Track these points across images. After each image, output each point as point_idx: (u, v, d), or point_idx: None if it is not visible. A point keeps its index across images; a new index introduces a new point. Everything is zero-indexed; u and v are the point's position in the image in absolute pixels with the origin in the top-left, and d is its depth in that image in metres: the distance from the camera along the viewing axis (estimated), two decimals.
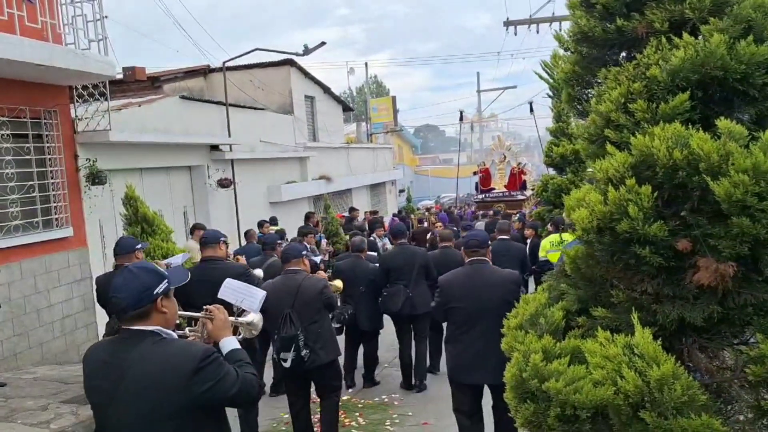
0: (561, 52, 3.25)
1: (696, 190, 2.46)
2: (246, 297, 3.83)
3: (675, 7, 2.68)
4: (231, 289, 3.95)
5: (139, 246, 5.57)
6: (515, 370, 2.77)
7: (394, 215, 21.02)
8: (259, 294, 3.84)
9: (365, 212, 19.90)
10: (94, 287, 6.31)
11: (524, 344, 2.85)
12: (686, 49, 2.52)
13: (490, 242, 5.21)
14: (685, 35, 2.59)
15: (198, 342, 2.62)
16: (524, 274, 7.64)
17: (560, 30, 19.55)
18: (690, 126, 2.51)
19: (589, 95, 3.13)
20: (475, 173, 22.89)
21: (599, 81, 2.98)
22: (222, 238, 5.57)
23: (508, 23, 19.79)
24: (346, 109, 23.61)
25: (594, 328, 2.82)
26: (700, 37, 2.63)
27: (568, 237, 7.84)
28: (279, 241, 8.35)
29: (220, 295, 3.84)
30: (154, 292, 2.42)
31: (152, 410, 2.32)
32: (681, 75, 2.52)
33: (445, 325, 5.36)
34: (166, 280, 2.48)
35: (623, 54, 3.14)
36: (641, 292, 2.64)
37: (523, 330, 3.01)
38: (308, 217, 14.35)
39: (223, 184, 12.88)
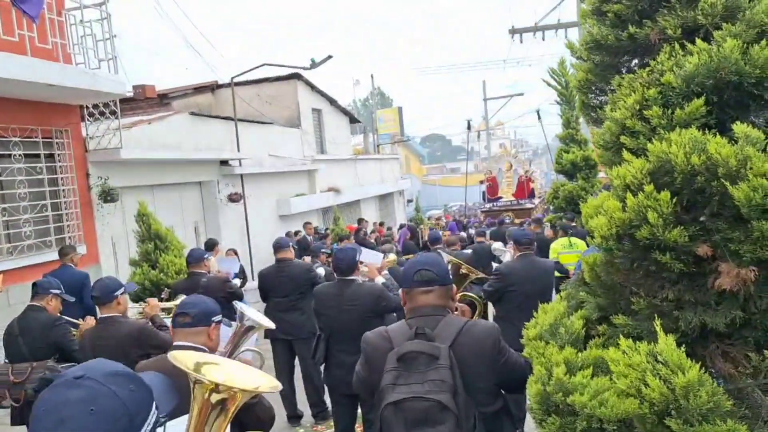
0: (573, 60, 3.26)
1: (715, 195, 2.44)
2: (371, 257, 6.83)
3: (687, 13, 2.69)
4: (364, 253, 6.56)
5: (207, 255, 7.31)
6: (539, 385, 2.75)
7: (401, 225, 21.00)
8: (380, 255, 7.21)
9: (374, 223, 19.87)
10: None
11: (545, 356, 2.84)
12: (700, 55, 2.52)
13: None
14: (699, 41, 2.59)
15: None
16: None
17: (566, 37, 19.71)
18: (706, 131, 2.51)
19: (603, 103, 3.13)
20: (482, 182, 22.90)
21: (613, 88, 2.98)
22: (206, 255, 7.28)
23: (513, 31, 19.87)
24: (353, 120, 23.69)
25: (615, 336, 2.80)
26: (713, 43, 2.63)
27: (576, 241, 8.21)
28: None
29: (361, 258, 5.89)
30: (356, 260, 5.24)
31: (362, 313, 4.89)
32: (696, 80, 2.52)
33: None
34: (357, 252, 5.47)
35: (635, 61, 3.15)
36: (662, 299, 2.63)
37: (542, 340, 2.99)
38: (305, 226, 14.54)
39: (234, 198, 12.95)
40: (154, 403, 1.27)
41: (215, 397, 1.63)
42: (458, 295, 3.39)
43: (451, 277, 2.89)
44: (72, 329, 5.09)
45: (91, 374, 1.19)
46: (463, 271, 3.45)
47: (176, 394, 1.45)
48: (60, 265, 7.25)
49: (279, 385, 1.88)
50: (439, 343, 2.57)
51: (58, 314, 5.18)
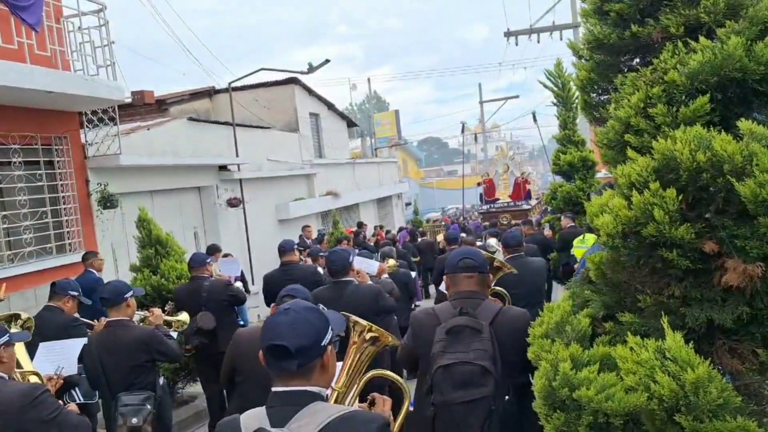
0: (570, 61, 3.27)
1: (720, 192, 2.45)
2: (365, 265, 6.18)
3: (690, 11, 2.70)
4: (357, 260, 6.10)
5: (209, 260, 7.04)
6: (544, 380, 2.74)
7: (400, 228, 20.99)
8: (375, 264, 6.70)
9: (375, 227, 19.84)
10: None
11: (552, 353, 2.84)
12: (704, 53, 2.54)
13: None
14: (702, 38, 2.60)
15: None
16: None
17: (561, 38, 19.69)
18: (711, 128, 2.52)
19: (605, 102, 3.14)
20: (479, 184, 22.97)
21: (615, 87, 2.99)
22: (208, 260, 7.01)
23: (508, 34, 19.92)
24: (351, 124, 23.70)
25: (621, 334, 2.81)
26: (716, 40, 2.65)
27: (590, 236, 8.33)
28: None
29: (355, 264, 5.49)
30: (349, 261, 5.18)
31: (363, 313, 3.72)
32: (700, 78, 2.53)
33: None
34: (350, 254, 5.39)
35: (637, 60, 3.16)
36: (668, 296, 2.64)
37: (549, 338, 2.99)
38: (303, 230, 14.52)
39: (233, 203, 12.93)
40: (330, 326, 2.03)
41: (369, 335, 2.63)
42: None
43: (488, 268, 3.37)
44: (87, 330, 5.19)
45: (294, 308, 2.00)
46: (496, 264, 3.88)
47: (345, 325, 2.33)
48: (83, 270, 7.45)
49: None
50: (481, 320, 3.07)
51: (75, 315, 5.29)
